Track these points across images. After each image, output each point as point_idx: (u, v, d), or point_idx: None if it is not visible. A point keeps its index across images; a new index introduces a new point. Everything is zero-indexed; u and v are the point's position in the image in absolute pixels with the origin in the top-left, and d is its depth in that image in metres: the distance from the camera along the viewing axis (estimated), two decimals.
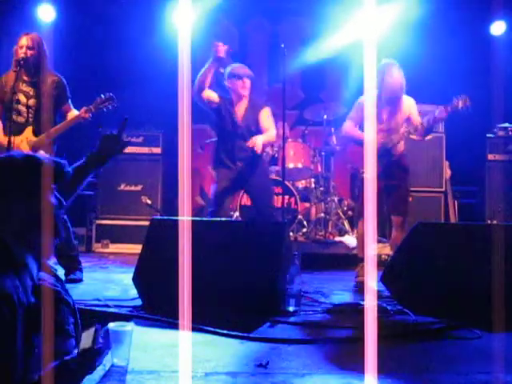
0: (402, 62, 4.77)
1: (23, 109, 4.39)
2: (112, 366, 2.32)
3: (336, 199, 6.58)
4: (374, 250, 4.46)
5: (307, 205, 6.66)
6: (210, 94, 4.93)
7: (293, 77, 7.22)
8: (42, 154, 4.22)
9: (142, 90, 6.85)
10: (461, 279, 3.37)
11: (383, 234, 5.86)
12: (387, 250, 5.46)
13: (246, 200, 6.12)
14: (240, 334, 2.90)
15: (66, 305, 2.13)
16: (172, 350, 2.65)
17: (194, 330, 2.93)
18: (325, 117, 6.65)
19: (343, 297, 4.05)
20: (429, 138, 6.19)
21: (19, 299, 1.86)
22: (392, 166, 4.59)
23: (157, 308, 3.31)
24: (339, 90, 6.99)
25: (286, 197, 5.88)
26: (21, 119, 4.39)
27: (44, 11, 6.77)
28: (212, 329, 2.96)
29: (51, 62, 4.47)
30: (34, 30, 4.64)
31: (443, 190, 6.66)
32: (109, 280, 4.56)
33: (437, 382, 2.36)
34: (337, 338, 3.00)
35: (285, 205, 5.58)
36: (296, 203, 6.19)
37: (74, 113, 4.41)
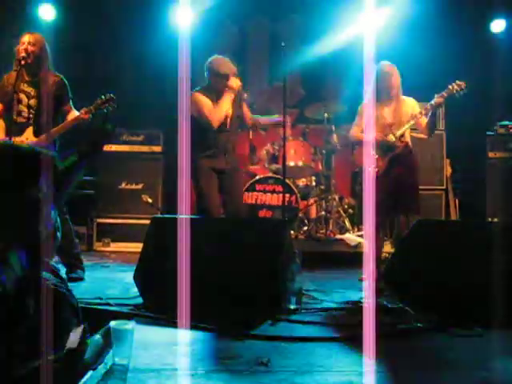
0: (402, 60, 4.78)
1: (24, 109, 4.39)
2: (113, 364, 2.33)
3: (337, 197, 6.58)
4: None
5: (308, 203, 6.66)
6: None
7: (293, 75, 7.22)
8: (26, 142, 4.23)
9: (143, 89, 6.85)
10: (462, 277, 3.37)
11: (384, 231, 5.86)
12: (388, 248, 5.47)
13: (247, 198, 6.13)
14: (241, 331, 2.91)
15: (69, 305, 2.14)
16: (173, 348, 2.66)
17: (195, 328, 2.94)
18: (325, 115, 6.65)
19: (344, 295, 4.05)
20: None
21: None
22: (399, 158, 4.61)
23: (158, 306, 3.32)
24: (340, 89, 6.98)
25: (287, 195, 5.88)
26: (22, 119, 4.39)
27: (45, 11, 6.77)
28: (213, 327, 2.97)
29: (52, 61, 4.47)
30: (34, 29, 4.64)
31: (444, 187, 6.67)
32: (110, 279, 4.57)
33: (437, 380, 2.37)
34: (338, 336, 3.01)
35: (285, 203, 5.58)
36: (297, 201, 6.19)
37: (74, 114, 4.39)
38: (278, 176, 6.15)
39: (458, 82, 4.47)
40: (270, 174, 6.35)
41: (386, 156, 4.59)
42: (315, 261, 5.07)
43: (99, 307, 3.31)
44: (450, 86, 4.46)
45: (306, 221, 6.48)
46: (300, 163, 6.40)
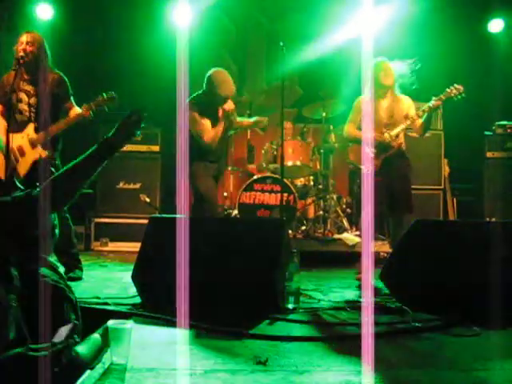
0: (399, 59, 4.78)
1: (25, 107, 4.40)
2: (111, 363, 2.32)
3: (335, 197, 6.58)
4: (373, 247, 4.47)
5: (306, 202, 6.66)
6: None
7: (291, 74, 7.22)
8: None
9: (141, 88, 6.85)
10: (460, 276, 3.37)
11: (381, 231, 5.87)
12: (386, 248, 5.48)
13: (245, 198, 6.13)
14: (239, 331, 2.91)
15: (68, 302, 2.14)
16: (171, 347, 2.66)
17: (193, 327, 2.94)
18: (324, 114, 6.65)
19: (342, 294, 4.05)
20: (427, 135, 6.24)
21: None
22: (393, 158, 4.62)
23: (156, 306, 3.31)
24: (338, 88, 6.99)
25: (285, 194, 5.88)
26: (23, 118, 4.40)
27: (42, 10, 6.77)
28: (211, 326, 2.97)
29: (51, 59, 4.47)
30: (32, 28, 4.64)
31: (442, 187, 6.68)
32: (108, 278, 4.57)
33: (436, 380, 2.37)
34: (336, 335, 3.01)
35: (283, 202, 5.58)
36: (295, 201, 6.19)
37: (76, 110, 4.42)
38: (276, 175, 6.15)
39: (456, 85, 4.46)
40: (268, 174, 6.35)
41: (381, 155, 4.60)
42: (313, 260, 5.07)
43: (97, 307, 3.31)
44: (448, 90, 4.46)
45: (304, 220, 6.49)
46: (298, 163, 6.40)
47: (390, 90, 4.67)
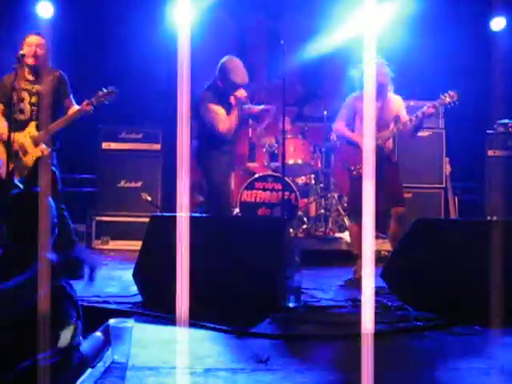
0: (402, 57, 4.79)
1: (27, 106, 4.42)
2: (112, 362, 2.33)
3: (336, 195, 6.57)
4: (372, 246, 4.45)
5: (307, 201, 6.66)
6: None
7: (292, 73, 7.21)
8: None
9: (142, 87, 6.84)
10: (461, 275, 3.37)
11: (383, 230, 5.86)
12: (387, 247, 5.47)
13: (246, 197, 6.12)
14: (240, 330, 2.91)
15: (69, 299, 2.14)
16: (172, 346, 2.66)
17: (194, 326, 2.94)
18: (325, 113, 6.63)
19: (343, 293, 4.05)
20: (428, 133, 6.23)
21: None
22: (383, 162, 4.60)
23: (157, 304, 3.31)
24: (339, 86, 6.97)
25: (286, 193, 5.87)
26: (24, 117, 4.41)
27: (43, 8, 6.76)
28: (212, 325, 2.97)
29: (50, 58, 4.47)
30: (32, 26, 4.64)
31: (443, 186, 6.66)
32: (109, 277, 4.56)
33: (436, 379, 2.37)
34: (336, 334, 3.00)
35: (285, 201, 5.57)
36: (296, 199, 6.18)
37: (75, 108, 4.43)
38: (278, 174, 6.14)
39: (450, 92, 4.43)
40: (270, 172, 6.34)
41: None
42: (314, 259, 5.07)
43: (98, 305, 3.31)
44: (443, 97, 4.44)
45: (305, 219, 6.48)
46: (299, 161, 6.39)
47: (382, 91, 4.62)
